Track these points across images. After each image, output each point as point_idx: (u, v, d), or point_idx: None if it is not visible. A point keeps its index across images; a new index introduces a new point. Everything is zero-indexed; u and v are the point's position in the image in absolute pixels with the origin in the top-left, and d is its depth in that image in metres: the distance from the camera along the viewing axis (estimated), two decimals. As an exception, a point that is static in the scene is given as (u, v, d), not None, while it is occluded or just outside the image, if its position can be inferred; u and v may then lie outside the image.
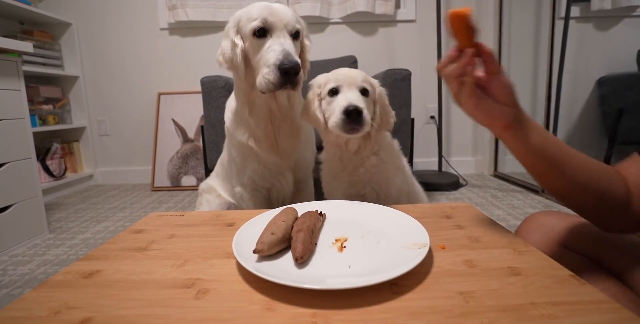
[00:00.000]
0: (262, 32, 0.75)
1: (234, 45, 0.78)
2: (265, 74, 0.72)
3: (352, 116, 0.67)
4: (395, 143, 0.84)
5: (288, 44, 0.74)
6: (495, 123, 0.46)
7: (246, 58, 0.79)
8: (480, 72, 0.46)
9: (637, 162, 0.47)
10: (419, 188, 0.94)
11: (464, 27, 0.44)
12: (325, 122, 0.73)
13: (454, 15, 0.44)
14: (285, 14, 0.76)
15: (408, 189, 0.86)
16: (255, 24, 0.75)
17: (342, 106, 0.68)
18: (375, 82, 0.79)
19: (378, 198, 0.79)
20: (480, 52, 0.44)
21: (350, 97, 0.70)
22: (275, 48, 0.73)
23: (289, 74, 0.71)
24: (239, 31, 0.79)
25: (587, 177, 0.45)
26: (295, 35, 0.79)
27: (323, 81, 0.76)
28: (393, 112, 0.80)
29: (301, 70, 0.74)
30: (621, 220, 0.46)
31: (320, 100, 0.75)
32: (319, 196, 0.90)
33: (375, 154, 0.78)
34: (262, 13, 0.75)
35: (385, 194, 0.79)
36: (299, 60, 0.72)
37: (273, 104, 0.85)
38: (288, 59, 0.71)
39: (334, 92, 0.73)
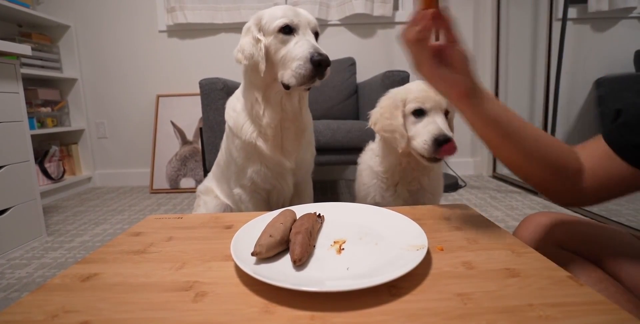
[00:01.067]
0: (288, 30, 0.78)
1: (257, 40, 0.81)
2: (296, 67, 0.75)
3: (441, 143, 0.70)
4: None
5: (314, 41, 0.78)
6: (452, 91, 0.47)
7: (267, 54, 0.81)
8: (439, 41, 0.46)
9: (597, 143, 0.48)
10: None
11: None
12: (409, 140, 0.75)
13: None
14: (307, 15, 0.81)
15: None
16: (282, 21, 0.78)
17: (432, 134, 0.70)
18: None
19: (434, 200, 0.84)
20: (441, 17, 0.44)
21: (439, 123, 0.72)
22: (304, 43, 0.76)
23: (321, 66, 0.74)
24: (260, 29, 0.82)
25: (540, 151, 0.47)
26: (316, 36, 0.82)
27: (403, 96, 0.77)
28: None
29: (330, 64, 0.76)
30: (570, 195, 0.49)
31: (404, 116, 0.76)
32: (318, 198, 0.90)
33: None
34: (287, 13, 0.78)
35: (439, 194, 0.85)
36: (327, 54, 0.75)
37: (286, 103, 0.86)
38: (319, 52, 0.74)
39: (419, 113, 0.75)
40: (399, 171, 0.83)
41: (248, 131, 0.87)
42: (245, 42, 0.82)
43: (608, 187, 0.47)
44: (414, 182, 0.83)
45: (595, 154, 0.47)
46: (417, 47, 0.46)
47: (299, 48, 0.75)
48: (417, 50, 0.46)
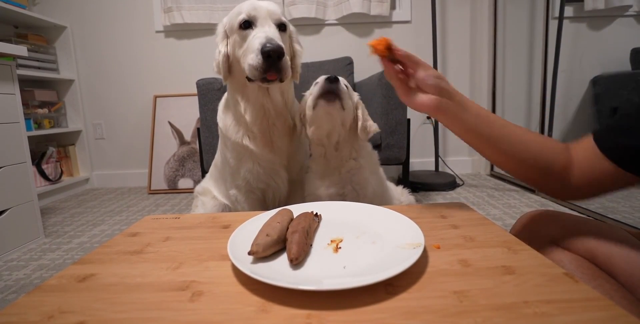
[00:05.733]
0: (247, 24, 0.78)
1: (219, 51, 0.83)
2: (250, 59, 0.74)
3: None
4: (375, 154, 0.92)
5: (272, 32, 0.76)
6: (425, 109, 0.55)
7: (230, 61, 0.84)
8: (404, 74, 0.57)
9: (588, 141, 0.51)
10: (392, 193, 1.05)
11: (384, 47, 0.56)
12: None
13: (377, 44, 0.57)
14: (268, 6, 0.79)
15: (382, 193, 0.94)
16: (241, 17, 0.78)
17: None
18: (353, 92, 0.85)
19: (357, 196, 0.85)
20: (393, 60, 0.57)
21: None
22: (259, 35, 0.75)
23: (272, 58, 0.71)
24: (226, 34, 0.83)
25: (521, 153, 0.52)
26: (282, 28, 0.81)
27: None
28: (375, 125, 0.85)
29: (285, 56, 0.74)
30: (560, 190, 0.54)
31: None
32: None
33: (355, 159, 0.86)
34: (247, 8, 0.78)
35: (364, 193, 0.86)
36: (282, 45, 0.73)
37: (266, 101, 0.86)
38: (270, 42, 0.71)
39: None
40: (322, 159, 0.86)
41: (235, 131, 0.89)
42: (216, 52, 0.85)
43: (595, 184, 0.50)
44: (336, 173, 0.85)
45: (585, 152, 0.50)
46: (394, 82, 0.58)
47: (255, 40, 0.74)
48: (396, 84, 0.57)
